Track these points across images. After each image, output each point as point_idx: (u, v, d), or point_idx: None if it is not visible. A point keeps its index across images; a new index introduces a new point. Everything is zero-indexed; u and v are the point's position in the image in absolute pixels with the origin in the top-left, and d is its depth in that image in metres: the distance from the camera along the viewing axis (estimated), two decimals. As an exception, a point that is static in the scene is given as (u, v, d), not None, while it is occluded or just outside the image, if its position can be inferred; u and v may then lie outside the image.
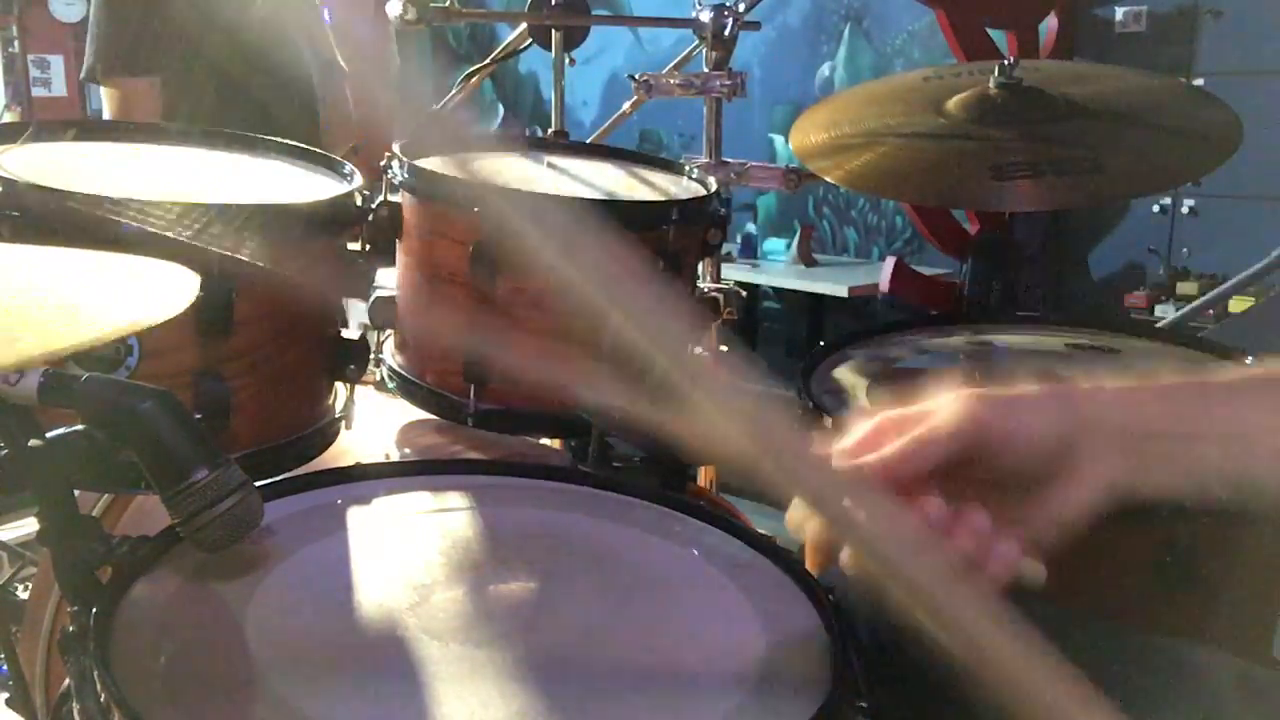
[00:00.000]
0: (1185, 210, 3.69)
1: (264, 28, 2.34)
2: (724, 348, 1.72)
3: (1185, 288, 3.52)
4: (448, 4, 1.80)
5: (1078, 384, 0.69)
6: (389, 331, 1.30)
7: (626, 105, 2.02)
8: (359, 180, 1.18)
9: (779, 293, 4.61)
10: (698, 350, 0.63)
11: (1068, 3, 3.68)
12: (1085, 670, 0.81)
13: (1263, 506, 0.70)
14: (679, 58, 2.09)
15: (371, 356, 1.23)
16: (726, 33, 1.81)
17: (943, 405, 0.68)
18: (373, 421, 1.29)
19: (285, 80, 2.40)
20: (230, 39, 2.26)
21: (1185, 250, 3.70)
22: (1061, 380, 0.70)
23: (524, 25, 1.88)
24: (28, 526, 2.13)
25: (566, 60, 1.82)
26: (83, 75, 2.32)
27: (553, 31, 1.79)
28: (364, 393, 1.26)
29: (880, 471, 0.67)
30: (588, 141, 1.70)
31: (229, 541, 0.77)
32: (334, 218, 1.13)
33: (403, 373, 1.27)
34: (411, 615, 0.77)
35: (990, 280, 1.66)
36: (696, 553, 0.91)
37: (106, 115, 2.30)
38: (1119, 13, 3.71)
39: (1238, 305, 2.93)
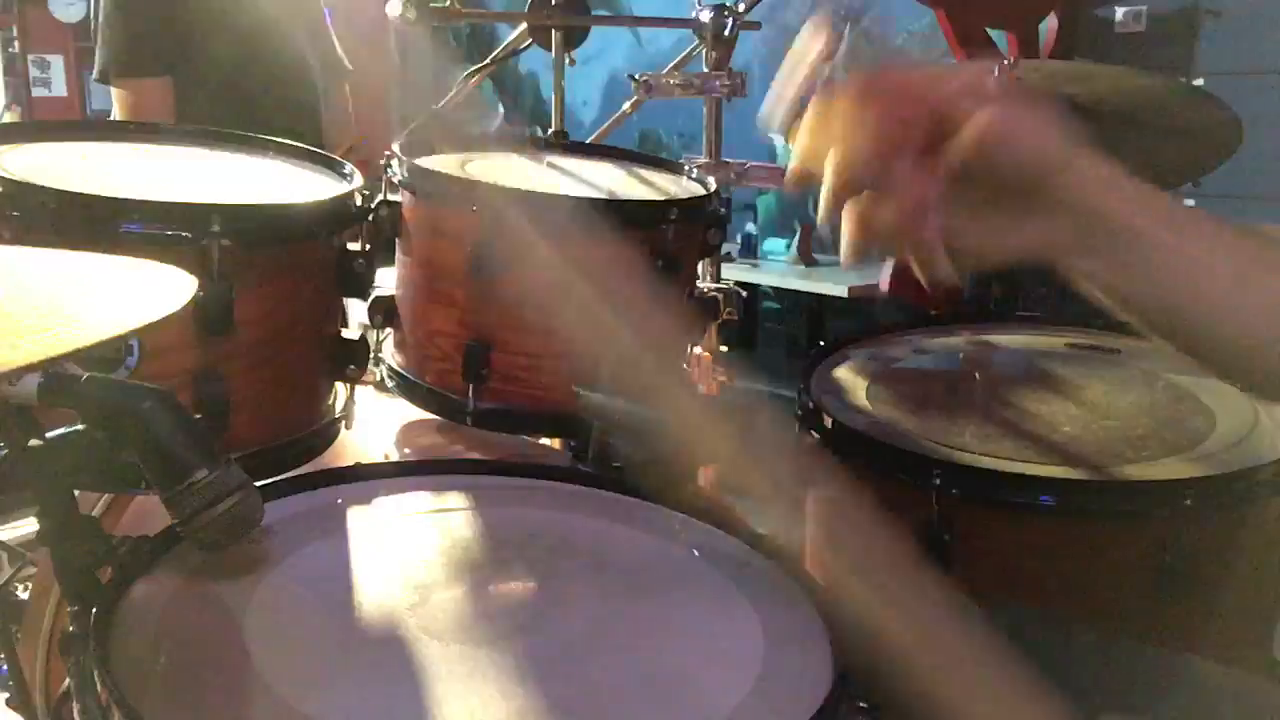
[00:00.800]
0: (1185, 210, 3.69)
1: (268, 28, 2.35)
2: (724, 348, 1.73)
3: (1185, 288, 3.52)
4: (448, 4, 1.80)
5: (1090, 152, 0.71)
6: (389, 331, 1.30)
7: (626, 105, 2.02)
8: (359, 180, 1.18)
9: (779, 293, 4.61)
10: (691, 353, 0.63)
11: (1068, 3, 3.68)
12: (1078, 679, 0.81)
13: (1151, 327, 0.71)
14: (679, 58, 2.09)
15: (371, 356, 1.23)
16: (726, 33, 1.81)
17: (976, 72, 0.68)
18: (373, 421, 1.29)
19: (289, 80, 2.40)
20: (236, 39, 2.26)
21: (1185, 250, 3.69)
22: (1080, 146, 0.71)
23: (524, 25, 1.88)
24: (28, 526, 2.13)
25: (566, 60, 1.82)
26: (94, 76, 2.32)
27: (553, 31, 1.79)
28: (364, 393, 1.26)
29: (903, 88, 0.67)
30: (588, 141, 1.70)
31: (229, 541, 0.77)
32: (334, 218, 1.13)
33: (403, 373, 1.27)
34: (411, 615, 0.77)
35: (990, 280, 1.66)
36: (696, 553, 0.91)
37: (117, 115, 2.30)
38: (1119, 13, 3.71)
39: (1238, 305, 2.93)
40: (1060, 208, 0.68)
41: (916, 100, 0.66)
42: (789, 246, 4.43)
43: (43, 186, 0.97)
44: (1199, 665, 0.87)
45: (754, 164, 1.89)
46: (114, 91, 2.29)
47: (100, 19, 2.27)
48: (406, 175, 1.20)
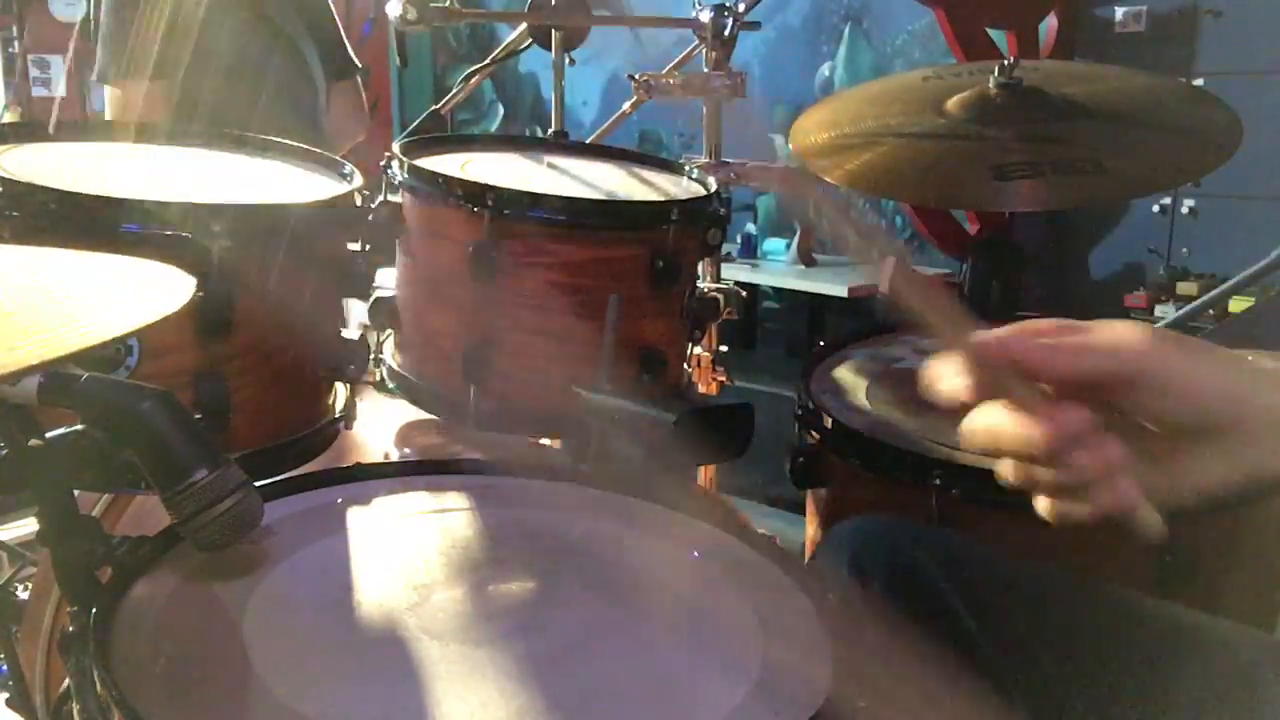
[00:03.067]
0: (1185, 210, 3.69)
1: (271, 33, 2.34)
2: (724, 348, 1.73)
3: (1185, 288, 3.53)
4: (448, 4, 1.80)
5: (1248, 357, 0.66)
6: (389, 331, 1.30)
7: (626, 105, 2.02)
8: (359, 180, 1.18)
9: (779, 293, 4.61)
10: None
11: (1068, 3, 3.68)
12: (1099, 639, 0.80)
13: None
14: (679, 58, 2.09)
15: (371, 356, 1.23)
16: (726, 33, 1.81)
17: (1119, 327, 0.64)
18: (373, 421, 1.29)
19: (289, 79, 2.40)
20: (235, 38, 2.26)
21: (1185, 250, 3.70)
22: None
23: (524, 25, 1.88)
24: (28, 526, 2.13)
25: (566, 60, 1.82)
26: (94, 77, 2.32)
27: (553, 31, 1.79)
28: (364, 393, 1.26)
29: (1041, 358, 0.64)
30: (588, 141, 1.70)
31: (229, 541, 0.77)
32: (334, 218, 1.13)
33: (403, 373, 1.27)
34: (411, 615, 0.77)
35: (990, 280, 1.65)
36: (696, 553, 0.91)
37: (110, 116, 2.31)
38: (1119, 13, 3.71)
39: (1238, 305, 2.93)
40: (1254, 432, 0.63)
41: (1075, 379, 0.64)
42: (789, 246, 4.43)
43: (43, 186, 0.97)
44: (1225, 627, 0.85)
45: (754, 164, 1.88)
46: (108, 92, 2.30)
47: (100, 20, 2.27)
48: (406, 175, 1.20)
